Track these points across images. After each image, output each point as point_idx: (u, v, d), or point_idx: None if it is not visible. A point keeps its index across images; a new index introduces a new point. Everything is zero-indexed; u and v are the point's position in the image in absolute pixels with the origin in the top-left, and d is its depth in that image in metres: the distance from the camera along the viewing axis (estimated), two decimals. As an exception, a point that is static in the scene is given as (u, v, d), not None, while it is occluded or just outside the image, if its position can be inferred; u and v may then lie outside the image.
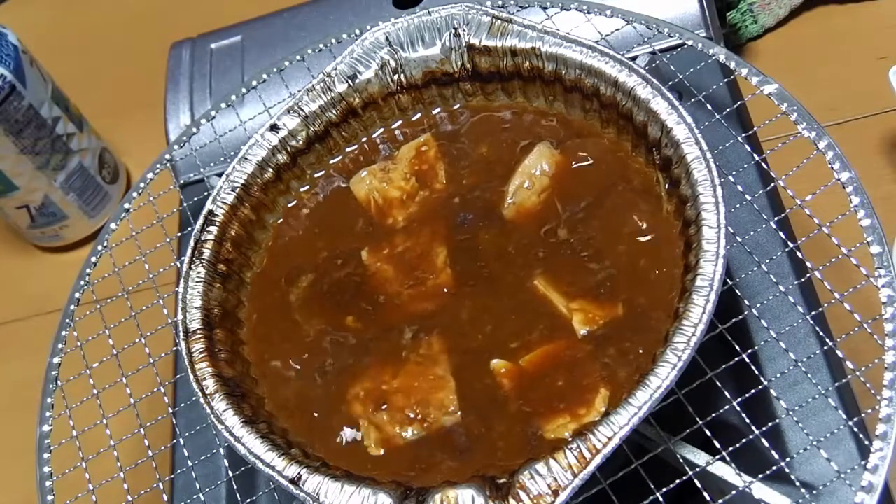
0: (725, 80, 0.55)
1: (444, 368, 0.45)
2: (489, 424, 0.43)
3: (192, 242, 0.49)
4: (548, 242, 0.47)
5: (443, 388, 0.44)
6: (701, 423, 0.41)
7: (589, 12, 0.55)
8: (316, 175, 0.54)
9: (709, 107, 0.50)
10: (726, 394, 0.41)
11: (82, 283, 0.56)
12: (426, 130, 0.54)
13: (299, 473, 0.40)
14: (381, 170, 0.52)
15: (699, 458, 0.42)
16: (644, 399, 0.38)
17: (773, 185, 0.51)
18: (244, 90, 0.60)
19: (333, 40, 0.60)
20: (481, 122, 0.53)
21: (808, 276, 0.47)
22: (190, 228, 0.50)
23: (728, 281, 0.42)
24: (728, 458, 0.41)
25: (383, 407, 0.44)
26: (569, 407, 0.41)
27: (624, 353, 0.42)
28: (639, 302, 0.44)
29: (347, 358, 0.47)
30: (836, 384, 0.45)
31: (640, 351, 0.42)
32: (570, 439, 0.39)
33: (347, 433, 0.44)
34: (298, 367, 0.47)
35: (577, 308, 0.44)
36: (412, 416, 0.44)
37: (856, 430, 0.41)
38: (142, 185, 0.59)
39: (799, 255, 0.45)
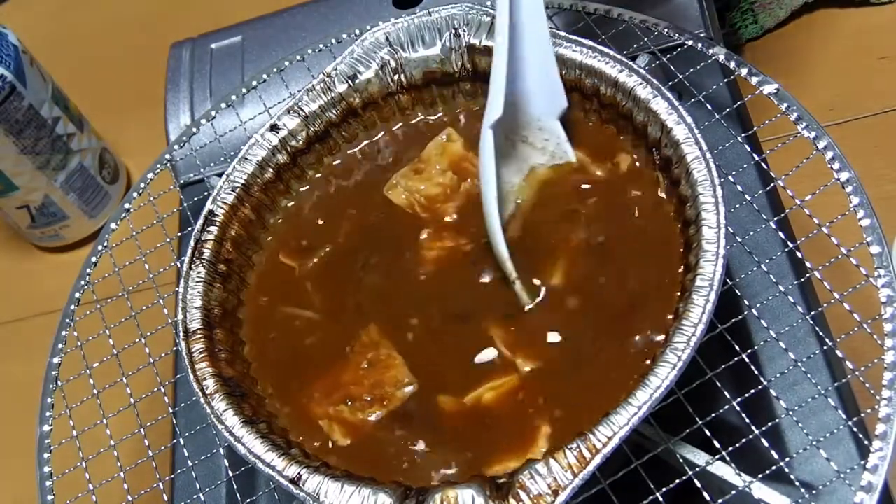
0: (725, 80, 0.55)
1: (388, 348, 0.46)
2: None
3: (192, 242, 0.49)
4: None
5: (393, 367, 0.45)
6: (701, 423, 0.41)
7: (589, 12, 0.55)
8: (317, 175, 0.54)
9: (709, 107, 0.50)
10: (726, 394, 0.41)
11: (82, 283, 0.56)
12: (444, 126, 0.53)
13: (299, 473, 0.40)
14: (413, 171, 0.52)
15: (699, 458, 0.42)
16: (644, 399, 0.38)
17: (772, 185, 0.51)
18: (244, 90, 0.60)
19: (333, 40, 0.60)
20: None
21: (807, 276, 0.47)
22: (190, 228, 0.50)
23: (728, 281, 0.42)
24: (728, 458, 0.41)
25: (348, 403, 0.45)
26: (511, 448, 0.42)
27: (563, 393, 0.43)
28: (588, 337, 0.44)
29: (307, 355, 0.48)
30: (836, 384, 0.45)
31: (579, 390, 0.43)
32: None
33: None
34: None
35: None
36: (370, 398, 0.44)
37: (855, 430, 0.41)
38: (142, 185, 0.59)
39: (799, 255, 0.45)
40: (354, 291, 0.49)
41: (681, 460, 0.42)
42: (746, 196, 0.46)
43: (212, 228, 0.50)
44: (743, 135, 0.49)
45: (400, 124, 0.55)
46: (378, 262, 0.50)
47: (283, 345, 0.48)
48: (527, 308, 0.45)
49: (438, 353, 0.46)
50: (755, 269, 0.46)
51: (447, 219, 0.50)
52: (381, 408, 0.44)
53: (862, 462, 0.38)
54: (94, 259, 0.56)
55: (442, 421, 0.43)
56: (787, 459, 0.40)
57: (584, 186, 0.48)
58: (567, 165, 0.49)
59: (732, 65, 0.50)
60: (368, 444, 0.44)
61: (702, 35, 0.58)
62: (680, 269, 0.43)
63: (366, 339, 0.47)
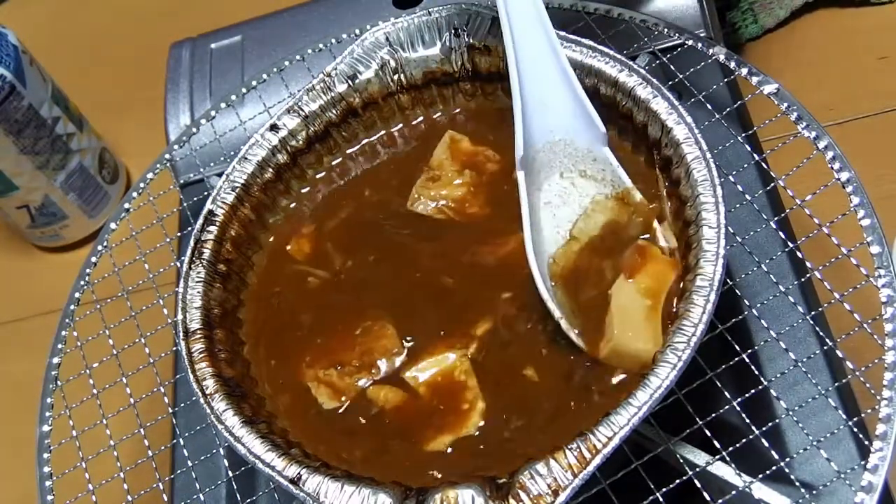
0: (725, 80, 0.55)
1: (381, 318, 0.47)
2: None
3: (192, 242, 0.49)
4: None
5: (384, 336, 0.46)
6: (701, 423, 0.41)
7: (589, 12, 0.55)
8: (317, 175, 0.54)
9: (709, 107, 0.50)
10: (726, 394, 0.41)
11: (82, 283, 0.56)
12: (440, 130, 0.53)
13: (299, 473, 0.40)
14: (430, 180, 0.52)
15: (699, 458, 0.42)
16: (644, 399, 0.38)
17: (773, 185, 0.51)
18: (244, 90, 0.60)
19: (333, 40, 0.60)
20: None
21: (808, 276, 0.47)
22: (190, 228, 0.50)
23: (728, 281, 0.42)
24: (728, 458, 0.41)
25: (338, 367, 0.46)
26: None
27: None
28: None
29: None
30: (836, 384, 0.45)
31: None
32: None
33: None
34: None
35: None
36: (358, 364, 0.46)
37: (856, 430, 0.41)
38: (142, 185, 0.59)
39: (799, 255, 0.45)
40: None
41: (681, 460, 0.42)
42: (746, 196, 0.46)
43: (212, 228, 0.50)
44: (743, 135, 0.49)
45: (400, 124, 0.55)
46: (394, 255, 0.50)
47: (284, 305, 0.50)
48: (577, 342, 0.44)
49: (431, 332, 0.46)
50: (755, 269, 0.46)
51: (481, 214, 0.50)
52: (369, 375, 0.45)
53: (862, 462, 0.38)
54: (93, 259, 0.56)
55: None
56: (788, 460, 0.40)
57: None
58: (624, 192, 0.47)
59: (732, 64, 0.50)
60: (347, 416, 0.45)
61: (702, 35, 0.58)
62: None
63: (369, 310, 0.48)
